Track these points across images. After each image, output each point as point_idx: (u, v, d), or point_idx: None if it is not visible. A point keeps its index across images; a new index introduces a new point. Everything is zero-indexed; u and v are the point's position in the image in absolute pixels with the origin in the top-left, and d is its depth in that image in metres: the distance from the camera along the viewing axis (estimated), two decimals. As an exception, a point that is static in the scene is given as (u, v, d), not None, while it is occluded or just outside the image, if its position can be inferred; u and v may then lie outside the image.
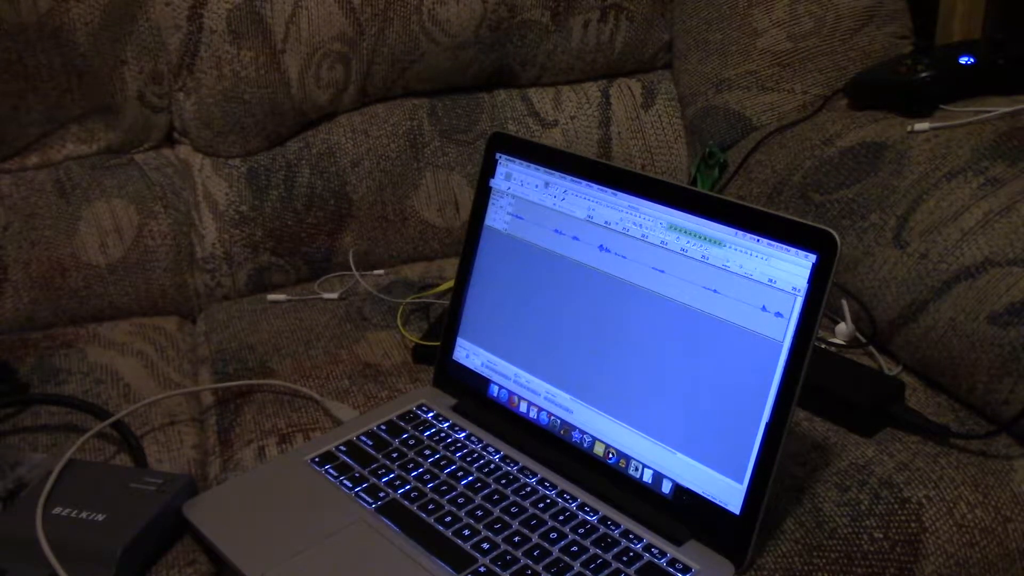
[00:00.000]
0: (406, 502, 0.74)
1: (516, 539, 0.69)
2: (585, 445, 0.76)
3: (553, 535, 0.70)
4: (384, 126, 1.17)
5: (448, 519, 0.72)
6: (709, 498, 0.68)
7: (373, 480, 0.76)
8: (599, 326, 0.75)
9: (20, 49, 1.03)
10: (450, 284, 1.03)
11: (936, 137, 0.98)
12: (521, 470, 0.77)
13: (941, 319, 0.86)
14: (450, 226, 1.20)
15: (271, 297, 1.10)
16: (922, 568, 0.72)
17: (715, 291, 0.69)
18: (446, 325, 0.88)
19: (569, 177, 0.79)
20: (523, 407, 0.81)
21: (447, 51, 1.16)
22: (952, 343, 0.84)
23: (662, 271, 0.72)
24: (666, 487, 0.71)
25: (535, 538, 0.70)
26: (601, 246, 0.76)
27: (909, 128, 1.01)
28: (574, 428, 0.77)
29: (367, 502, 0.74)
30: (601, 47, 1.23)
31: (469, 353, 0.86)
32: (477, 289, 0.85)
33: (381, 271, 1.16)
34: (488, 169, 0.85)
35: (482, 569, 0.67)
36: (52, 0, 1.02)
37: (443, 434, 0.82)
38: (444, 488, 0.75)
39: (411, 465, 0.78)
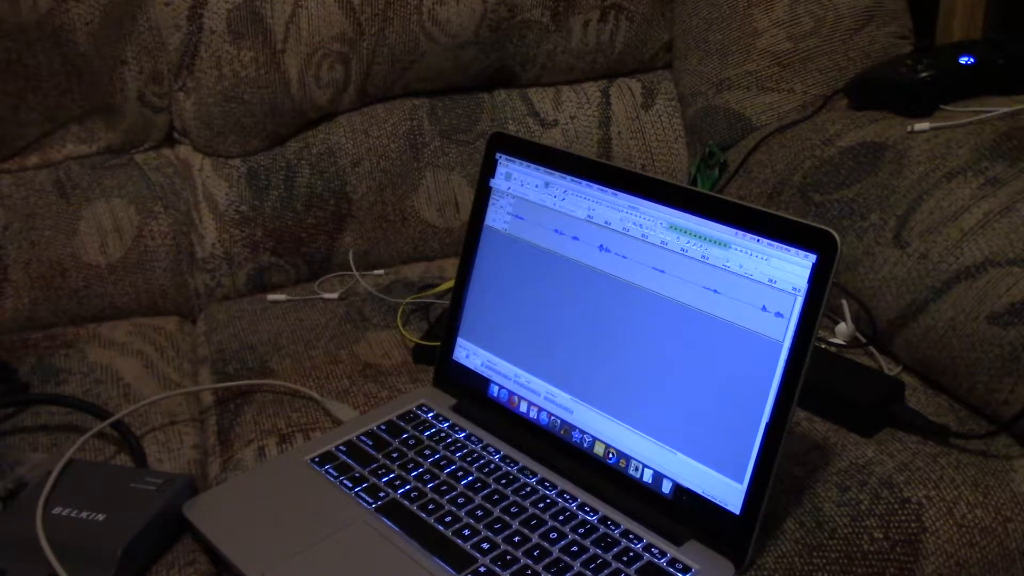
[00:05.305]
0: (406, 502, 0.74)
1: (516, 539, 0.69)
2: (585, 445, 0.76)
3: (553, 535, 0.70)
4: (384, 126, 1.17)
5: (448, 519, 0.72)
6: (709, 498, 0.68)
7: (373, 480, 0.76)
8: (599, 326, 0.75)
9: (20, 49, 1.03)
10: (450, 284, 1.03)
11: (936, 137, 0.98)
12: (521, 470, 0.77)
13: (941, 319, 0.86)
14: (450, 226, 1.20)
15: (271, 297, 1.10)
16: (922, 568, 0.72)
17: (715, 291, 0.69)
18: (446, 325, 0.88)
19: (569, 177, 0.79)
20: (523, 407, 0.81)
21: (447, 51, 1.16)
22: (952, 343, 0.84)
23: (662, 271, 0.72)
24: (666, 487, 0.71)
25: (535, 538, 0.70)
26: (601, 246, 0.76)
27: (909, 128, 1.01)
28: (574, 428, 0.77)
29: (367, 502, 0.74)
30: (601, 47, 1.23)
31: (469, 353, 0.86)
32: (477, 289, 0.85)
33: (381, 271, 1.16)
34: (488, 169, 0.85)
35: (482, 569, 0.67)
36: (52, 0, 1.02)
37: (443, 434, 0.82)
38: (444, 488, 0.75)
39: (411, 465, 0.78)
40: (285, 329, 1.02)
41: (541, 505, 0.73)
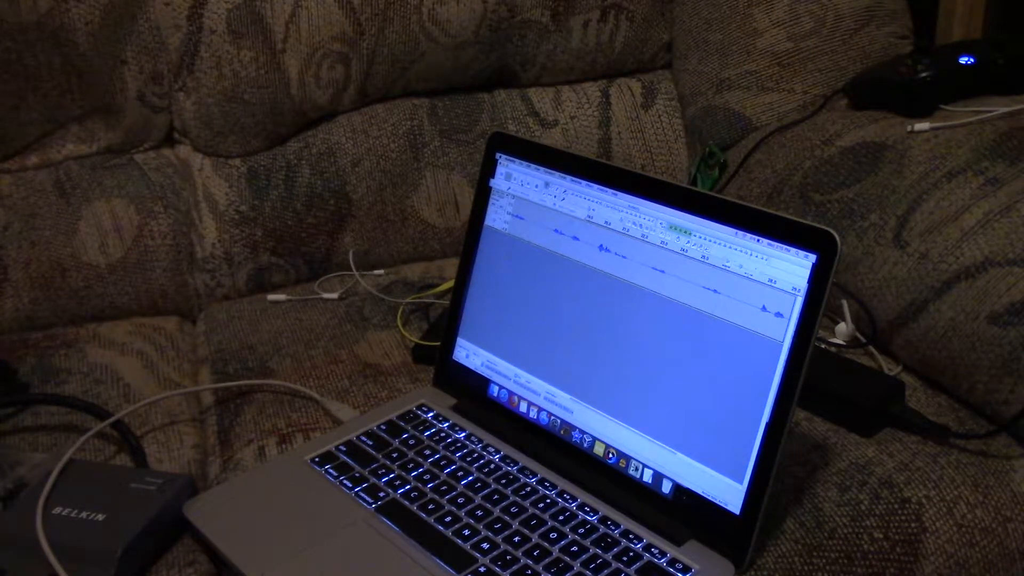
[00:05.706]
0: (406, 502, 0.74)
1: (516, 539, 0.69)
2: (585, 445, 0.76)
3: (553, 535, 0.70)
4: (384, 126, 1.18)
5: (448, 519, 0.72)
6: (709, 498, 0.68)
7: (373, 480, 0.76)
8: (599, 326, 0.75)
9: (20, 49, 1.03)
10: (450, 284, 1.03)
11: (936, 137, 0.98)
12: (521, 470, 0.77)
13: (941, 319, 0.86)
14: (450, 226, 1.20)
15: (271, 297, 1.10)
16: (922, 568, 0.72)
17: (715, 291, 0.69)
18: (446, 325, 0.88)
19: (569, 177, 0.79)
20: (523, 407, 0.81)
21: (447, 51, 1.16)
22: (952, 343, 0.84)
23: (662, 271, 0.72)
24: (666, 487, 0.71)
25: (535, 538, 0.70)
26: (601, 246, 0.76)
27: (909, 128, 1.01)
28: (574, 428, 0.77)
29: (367, 502, 0.74)
30: (601, 47, 1.23)
31: (469, 353, 0.86)
32: (477, 289, 0.85)
33: (381, 271, 1.16)
34: (488, 169, 0.85)
35: (482, 569, 0.67)
36: (52, 0, 1.02)
37: (443, 434, 0.82)
38: (444, 488, 0.75)
39: (411, 465, 0.78)
40: (285, 329, 1.02)
41: (541, 505, 0.73)
